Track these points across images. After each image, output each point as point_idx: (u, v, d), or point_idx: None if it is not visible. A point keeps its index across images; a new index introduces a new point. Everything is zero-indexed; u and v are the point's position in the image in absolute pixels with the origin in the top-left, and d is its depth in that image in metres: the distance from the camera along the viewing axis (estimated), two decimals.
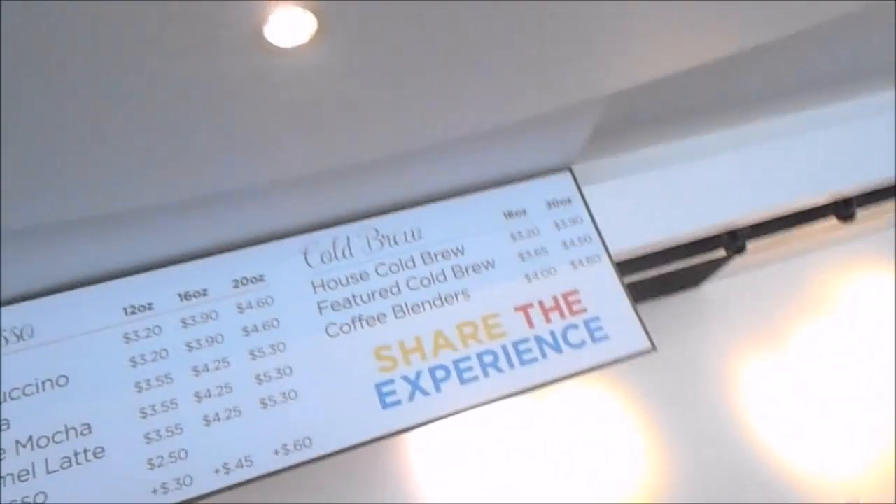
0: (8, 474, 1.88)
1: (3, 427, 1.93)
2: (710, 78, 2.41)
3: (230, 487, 1.97)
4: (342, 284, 2.27)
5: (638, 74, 2.09)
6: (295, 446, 2.03)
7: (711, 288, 3.52)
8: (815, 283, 3.65)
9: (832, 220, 2.99)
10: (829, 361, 3.42)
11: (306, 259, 2.29)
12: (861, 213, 2.96)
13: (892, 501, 3.06)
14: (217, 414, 2.04)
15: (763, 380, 3.34)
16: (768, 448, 3.19)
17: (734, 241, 2.86)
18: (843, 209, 2.95)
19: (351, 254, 2.32)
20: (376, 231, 2.37)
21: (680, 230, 2.65)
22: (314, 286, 2.26)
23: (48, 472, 1.90)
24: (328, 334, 2.20)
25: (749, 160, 2.81)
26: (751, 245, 2.86)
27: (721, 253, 2.93)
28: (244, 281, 2.23)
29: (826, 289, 3.64)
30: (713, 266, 3.17)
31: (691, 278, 3.34)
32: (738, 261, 3.07)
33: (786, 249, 3.38)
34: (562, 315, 2.33)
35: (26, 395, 1.98)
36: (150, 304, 2.15)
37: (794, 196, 2.79)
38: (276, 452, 2.02)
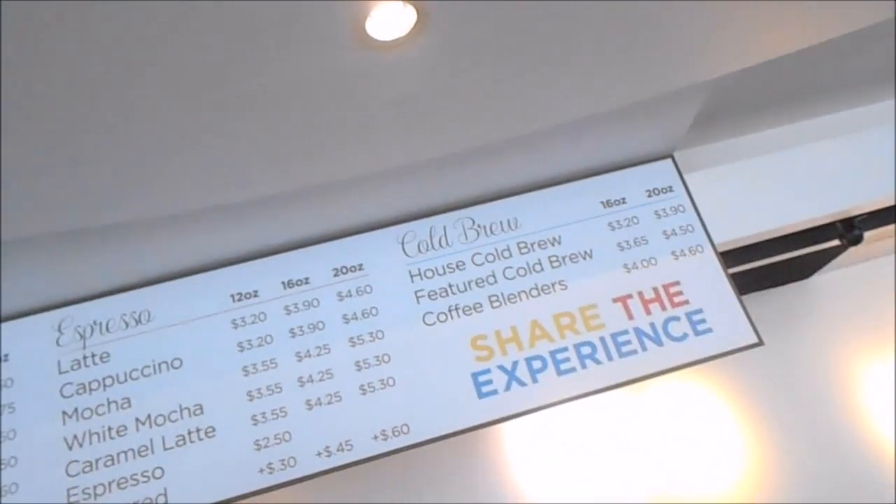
0: (130, 449, 2.01)
1: (125, 405, 2.07)
2: (820, 59, 2.28)
3: (331, 470, 2.04)
4: (439, 274, 2.29)
5: (743, 58, 1.99)
6: (393, 432, 2.07)
7: (823, 279, 3.34)
8: None
9: None
10: None
11: (404, 248, 2.32)
12: None
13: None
14: (319, 399, 2.10)
15: (879, 378, 3.14)
16: (884, 452, 3.00)
17: (849, 230, 2.70)
18: None
19: (447, 243, 2.34)
20: (473, 221, 2.37)
21: (789, 218, 2.53)
22: (411, 275, 2.29)
23: (165, 449, 2.02)
24: (425, 323, 2.23)
25: (865, 144, 2.65)
26: (868, 234, 2.70)
27: (834, 242, 2.77)
28: (344, 270, 2.28)
29: None
30: (825, 256, 3.00)
31: (801, 269, 3.18)
32: (852, 251, 2.89)
33: None
34: (662, 307, 2.27)
35: (145, 375, 2.11)
36: (255, 292, 2.24)
37: None
38: (375, 438, 2.06)
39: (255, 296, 2.24)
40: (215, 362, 2.14)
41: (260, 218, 2.17)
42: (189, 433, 2.04)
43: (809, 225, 2.61)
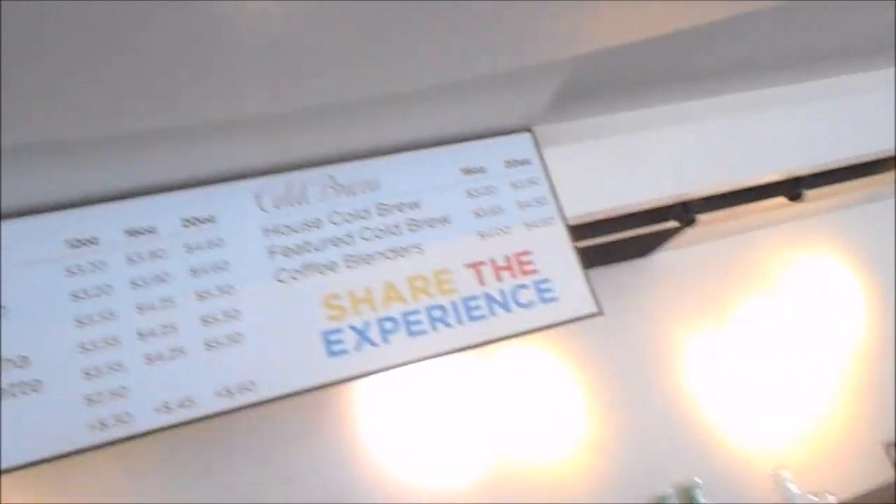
0: None
1: None
2: (676, 48, 2.41)
3: (170, 427, 1.96)
4: (294, 231, 2.25)
5: (605, 39, 2.08)
6: (238, 389, 2.03)
7: (661, 258, 3.59)
8: (762, 259, 3.75)
9: (781, 199, 3.06)
10: (770, 336, 3.54)
11: (259, 203, 2.26)
12: (810, 193, 3.03)
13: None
14: (160, 353, 2.02)
15: (704, 349, 3.44)
16: (702, 413, 3.30)
17: (686, 212, 2.91)
18: (793, 189, 3.02)
19: (306, 200, 2.29)
20: (333, 179, 2.34)
21: (634, 198, 2.69)
22: (266, 230, 2.23)
23: None
24: (278, 280, 2.18)
25: (707, 134, 2.85)
26: (701, 218, 2.92)
27: (672, 224, 2.97)
28: (194, 221, 2.19)
29: (772, 266, 3.74)
30: (664, 236, 3.22)
31: (642, 247, 3.39)
32: (688, 233, 3.13)
33: (736, 224, 3.45)
34: (513, 274, 2.36)
35: None
36: (95, 238, 2.10)
37: (746, 172, 2.85)
38: (219, 394, 2.01)
39: (95, 243, 2.10)
40: (45, 311, 1.99)
41: (104, 160, 2.02)
42: (11, 386, 1.89)
43: (651, 206, 2.79)
